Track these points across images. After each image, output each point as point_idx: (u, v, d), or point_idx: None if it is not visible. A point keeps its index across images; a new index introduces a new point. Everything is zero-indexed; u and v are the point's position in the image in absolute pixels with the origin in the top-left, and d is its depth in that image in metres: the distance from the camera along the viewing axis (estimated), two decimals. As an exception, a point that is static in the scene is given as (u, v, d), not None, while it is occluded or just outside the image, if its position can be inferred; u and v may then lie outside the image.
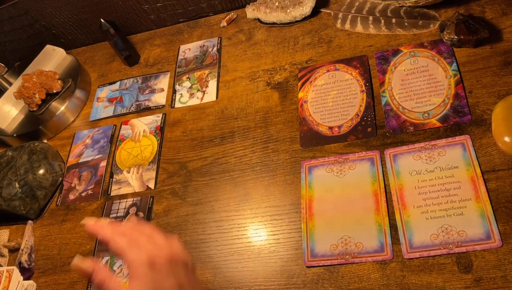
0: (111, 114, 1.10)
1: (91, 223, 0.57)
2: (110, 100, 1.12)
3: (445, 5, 0.92)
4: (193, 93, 1.04)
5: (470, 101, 0.81)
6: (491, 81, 0.81)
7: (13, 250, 0.96)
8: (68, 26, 1.23)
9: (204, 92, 1.04)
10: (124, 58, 1.15)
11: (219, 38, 1.11)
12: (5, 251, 0.96)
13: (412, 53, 0.89)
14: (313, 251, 0.76)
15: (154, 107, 1.06)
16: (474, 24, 0.84)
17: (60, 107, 1.11)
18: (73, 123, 1.13)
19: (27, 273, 0.91)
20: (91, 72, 1.20)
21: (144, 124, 1.04)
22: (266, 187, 0.86)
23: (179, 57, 1.12)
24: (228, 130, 0.96)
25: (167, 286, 0.53)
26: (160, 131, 1.02)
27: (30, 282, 0.90)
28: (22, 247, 0.93)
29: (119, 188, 0.96)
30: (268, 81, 0.99)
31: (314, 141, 0.87)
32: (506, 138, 0.72)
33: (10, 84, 1.17)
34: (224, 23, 1.12)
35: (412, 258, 0.70)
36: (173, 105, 1.05)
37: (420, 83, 0.85)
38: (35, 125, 1.10)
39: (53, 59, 1.18)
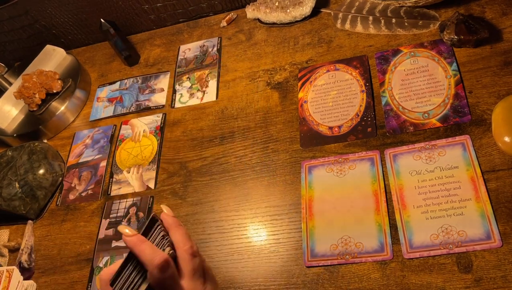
0: (111, 114, 1.10)
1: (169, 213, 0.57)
2: (110, 100, 1.12)
3: (445, 5, 0.92)
4: (193, 93, 1.04)
5: (470, 101, 0.81)
6: (491, 81, 0.81)
7: (13, 250, 0.96)
8: (68, 26, 1.23)
9: (204, 92, 1.04)
10: (124, 58, 1.15)
11: (219, 38, 1.11)
12: (5, 251, 0.96)
13: (412, 53, 0.89)
14: (313, 251, 0.76)
15: (154, 107, 1.06)
16: (474, 24, 0.84)
17: (60, 107, 1.11)
18: (73, 123, 1.13)
19: (27, 273, 0.91)
20: (91, 72, 1.20)
21: (144, 124, 1.04)
22: (266, 187, 0.86)
23: (179, 57, 1.13)
24: (228, 130, 0.96)
25: None
26: (160, 131, 1.02)
27: (30, 282, 0.90)
28: (22, 247, 0.93)
29: (119, 188, 0.96)
30: (268, 81, 0.99)
31: (314, 141, 0.87)
32: (506, 138, 0.72)
33: (10, 84, 1.18)
34: (224, 23, 1.12)
35: (412, 258, 0.70)
36: (173, 105, 1.05)
37: (420, 83, 0.85)
38: (35, 125, 1.10)
39: (53, 59, 1.18)
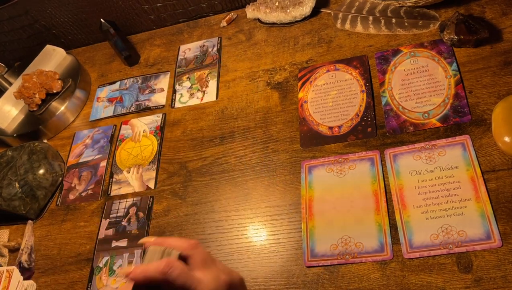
0: (111, 114, 1.10)
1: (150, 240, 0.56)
2: (110, 100, 1.12)
3: (445, 5, 0.92)
4: (193, 93, 1.04)
5: (470, 101, 0.81)
6: (491, 81, 0.81)
7: (13, 250, 0.96)
8: (68, 26, 1.23)
9: (204, 92, 1.04)
10: (124, 58, 1.15)
11: (219, 38, 1.11)
12: (5, 251, 0.96)
13: (412, 53, 0.89)
14: (313, 251, 0.76)
15: (154, 107, 1.06)
16: (474, 24, 0.84)
17: (60, 107, 1.11)
18: (73, 123, 1.13)
19: (27, 273, 0.91)
20: (91, 72, 1.20)
21: (144, 124, 1.04)
22: (266, 187, 0.86)
23: (179, 57, 1.13)
24: (228, 130, 0.96)
25: None
26: (160, 131, 1.02)
27: (30, 282, 0.90)
28: (22, 247, 0.93)
29: (119, 188, 0.96)
30: (268, 81, 0.99)
31: (314, 141, 0.87)
32: (506, 138, 0.72)
33: (10, 84, 1.17)
34: (224, 23, 1.12)
35: (412, 258, 0.70)
36: (173, 105, 1.05)
37: (420, 83, 0.85)
38: (35, 125, 1.10)
39: (53, 59, 1.18)
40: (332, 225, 0.77)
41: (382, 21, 0.94)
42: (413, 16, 0.92)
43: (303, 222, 0.79)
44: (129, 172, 0.98)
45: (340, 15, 1.00)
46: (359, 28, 0.97)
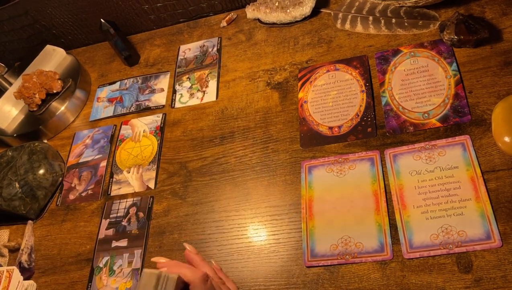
0: (111, 114, 1.10)
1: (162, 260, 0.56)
2: (110, 100, 1.12)
3: (445, 5, 0.92)
4: (193, 93, 1.04)
5: (470, 101, 0.81)
6: (491, 81, 0.81)
7: (13, 250, 0.96)
8: (68, 26, 1.23)
9: (204, 92, 1.04)
10: (124, 58, 1.15)
11: (219, 38, 1.11)
12: (5, 251, 0.96)
13: (412, 53, 0.89)
14: (313, 251, 0.76)
15: (154, 107, 1.06)
16: (474, 24, 0.84)
17: (60, 107, 1.11)
18: (73, 123, 1.13)
19: (27, 273, 0.91)
20: (91, 72, 1.20)
21: (144, 124, 1.04)
22: (266, 187, 0.86)
23: (179, 57, 1.13)
24: (228, 130, 0.96)
25: None
26: (160, 131, 1.02)
27: (30, 282, 0.90)
28: (22, 247, 0.93)
29: (119, 188, 0.97)
30: (268, 81, 0.99)
31: (314, 141, 0.87)
32: (506, 138, 0.72)
33: (10, 84, 1.18)
34: (224, 23, 1.12)
35: (412, 258, 0.70)
36: (173, 105, 1.05)
37: (420, 83, 0.85)
38: (35, 125, 1.10)
39: (53, 59, 1.18)
40: (332, 225, 0.77)
41: (382, 21, 0.95)
42: (413, 16, 0.92)
43: (303, 222, 0.79)
44: (129, 172, 0.98)
45: (340, 15, 1.00)
46: (359, 28, 0.97)
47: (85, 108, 1.14)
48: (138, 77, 1.14)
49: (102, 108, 1.12)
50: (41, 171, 1.00)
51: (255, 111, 0.96)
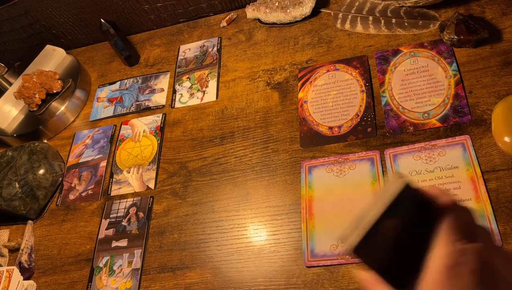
0: (111, 114, 1.10)
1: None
2: (110, 100, 1.12)
3: (445, 5, 0.92)
4: (193, 93, 1.04)
5: (470, 101, 0.81)
6: (491, 81, 0.81)
7: (13, 250, 0.96)
8: (68, 26, 1.23)
9: (204, 92, 1.04)
10: (124, 58, 1.15)
11: (219, 38, 1.11)
12: (5, 251, 0.96)
13: (412, 53, 0.89)
14: (313, 251, 0.76)
15: (154, 107, 1.06)
16: (474, 24, 0.84)
17: (60, 107, 1.11)
18: (73, 123, 1.13)
19: (27, 273, 0.91)
20: (91, 72, 1.20)
21: (144, 124, 1.04)
22: (266, 187, 0.86)
23: (179, 57, 1.13)
24: (228, 130, 0.96)
25: None
26: (160, 131, 1.02)
27: (30, 282, 0.90)
28: (22, 247, 0.93)
29: (119, 188, 0.96)
30: (268, 81, 0.99)
31: (314, 141, 0.87)
32: (506, 138, 0.72)
33: (10, 84, 1.18)
34: (224, 23, 1.12)
35: (412, 258, 0.70)
36: (173, 105, 1.05)
37: (420, 83, 0.85)
38: (35, 125, 1.10)
39: (53, 59, 1.18)
40: (332, 225, 0.77)
41: (382, 21, 0.94)
42: (413, 16, 0.92)
43: (303, 222, 0.79)
44: (129, 172, 0.98)
45: (340, 15, 1.00)
46: (359, 28, 0.97)
47: (85, 108, 1.14)
48: (138, 77, 1.14)
49: (102, 108, 1.12)
50: (41, 171, 1.00)
51: (255, 111, 0.96)
